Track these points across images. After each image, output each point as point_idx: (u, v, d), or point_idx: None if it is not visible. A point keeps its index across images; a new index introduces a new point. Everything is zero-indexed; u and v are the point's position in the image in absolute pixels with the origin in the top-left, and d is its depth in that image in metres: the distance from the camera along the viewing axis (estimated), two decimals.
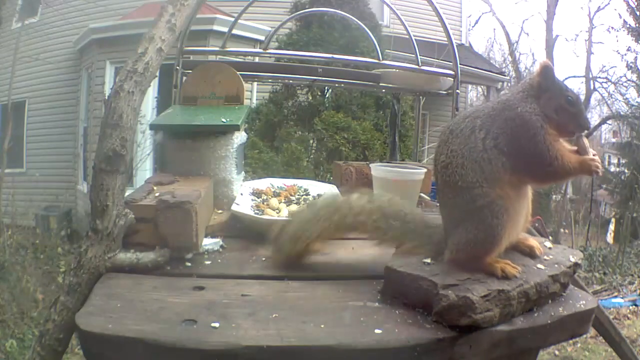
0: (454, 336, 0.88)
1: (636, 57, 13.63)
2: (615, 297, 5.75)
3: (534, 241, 1.11)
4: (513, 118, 1.02)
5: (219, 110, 1.76)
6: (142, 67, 1.18)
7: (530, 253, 1.09)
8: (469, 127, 1.03)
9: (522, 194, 1.06)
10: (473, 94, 13.07)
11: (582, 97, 16.53)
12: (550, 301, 1.02)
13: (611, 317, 3.79)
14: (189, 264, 1.16)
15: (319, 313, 0.93)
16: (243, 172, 1.77)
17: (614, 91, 15.25)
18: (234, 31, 2.78)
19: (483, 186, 1.00)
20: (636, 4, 12.98)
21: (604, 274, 6.56)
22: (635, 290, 5.91)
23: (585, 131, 1.07)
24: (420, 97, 2.99)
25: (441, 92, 2.59)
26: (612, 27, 14.85)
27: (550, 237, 1.34)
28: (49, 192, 8.90)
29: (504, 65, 17.26)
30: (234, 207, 1.45)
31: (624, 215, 8.95)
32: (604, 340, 3.28)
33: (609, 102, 15.55)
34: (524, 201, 1.07)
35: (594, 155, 1.05)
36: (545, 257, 1.08)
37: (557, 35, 17.18)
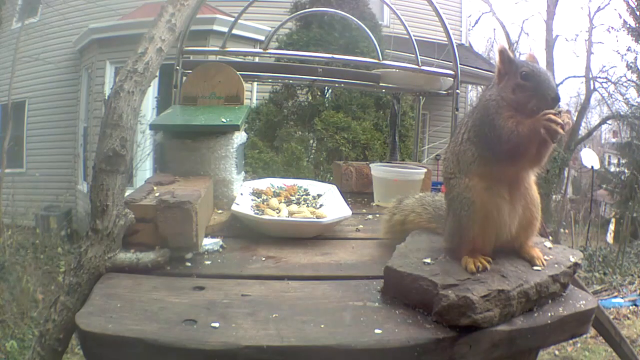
0: (454, 336, 0.88)
1: (636, 57, 13.63)
2: (615, 297, 5.74)
3: (538, 252, 1.09)
4: (479, 109, 1.07)
5: (219, 110, 1.76)
6: (142, 67, 1.18)
7: (529, 261, 1.07)
8: (461, 124, 1.12)
9: (492, 188, 1.03)
10: (473, 94, 13.05)
11: (582, 97, 16.49)
12: (550, 301, 1.02)
13: (611, 317, 3.79)
14: (189, 264, 1.16)
15: (319, 313, 0.93)
16: (243, 172, 1.77)
17: (614, 91, 15.23)
18: (234, 31, 2.78)
19: (457, 176, 1.06)
20: (636, 4, 12.98)
21: (604, 274, 6.55)
22: (635, 290, 5.90)
23: (553, 103, 0.97)
24: (420, 97, 2.99)
25: (441, 92, 2.59)
26: (612, 27, 14.84)
27: (550, 237, 1.32)
28: (49, 192, 8.90)
29: None
30: (234, 207, 1.45)
31: (624, 215, 8.94)
32: (604, 340, 3.27)
33: (609, 102, 15.52)
34: (496, 196, 1.03)
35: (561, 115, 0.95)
36: (545, 257, 1.08)
37: (557, 35, 17.16)
